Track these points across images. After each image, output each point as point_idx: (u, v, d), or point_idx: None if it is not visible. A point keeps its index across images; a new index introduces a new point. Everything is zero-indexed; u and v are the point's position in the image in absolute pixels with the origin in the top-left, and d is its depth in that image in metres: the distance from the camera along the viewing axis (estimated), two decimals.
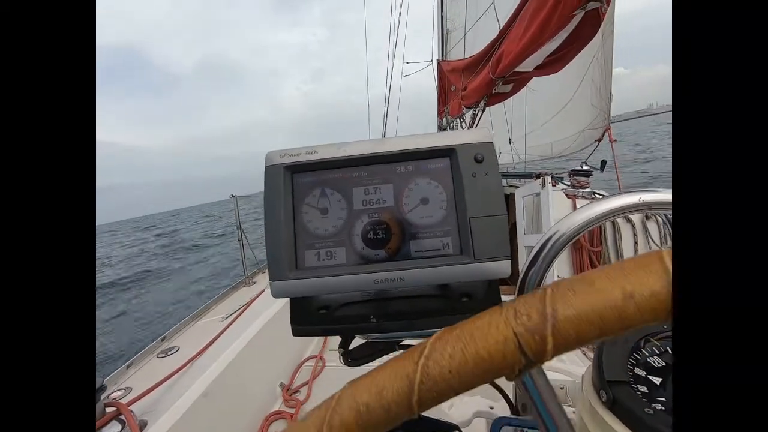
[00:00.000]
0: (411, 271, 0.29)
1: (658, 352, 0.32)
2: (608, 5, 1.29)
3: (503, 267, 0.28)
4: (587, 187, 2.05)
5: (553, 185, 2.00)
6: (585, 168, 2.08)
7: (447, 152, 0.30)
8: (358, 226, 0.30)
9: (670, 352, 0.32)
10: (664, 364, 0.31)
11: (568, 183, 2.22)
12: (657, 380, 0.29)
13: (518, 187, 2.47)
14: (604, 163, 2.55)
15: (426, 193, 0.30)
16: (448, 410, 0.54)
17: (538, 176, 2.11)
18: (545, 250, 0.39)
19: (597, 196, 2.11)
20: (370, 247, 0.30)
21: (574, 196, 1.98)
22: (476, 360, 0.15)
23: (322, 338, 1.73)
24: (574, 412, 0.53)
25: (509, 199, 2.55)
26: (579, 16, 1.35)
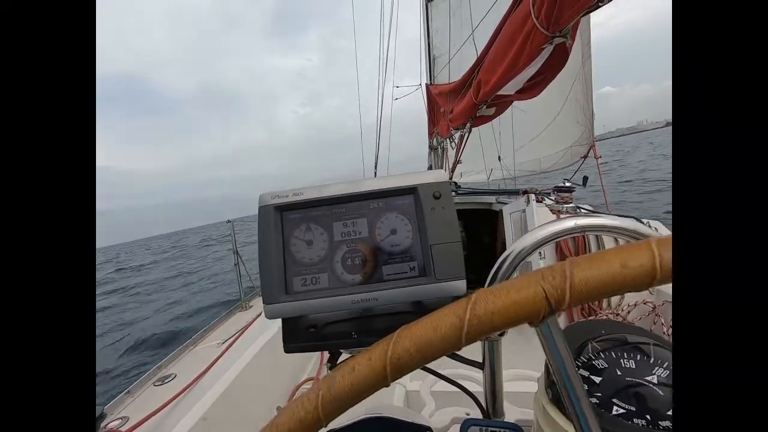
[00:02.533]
0: (383, 292, 0.33)
1: (602, 356, 0.36)
2: (573, 41, 1.42)
3: (459, 286, 0.33)
4: (570, 203, 2.13)
5: (538, 201, 2.08)
6: (567, 185, 2.18)
7: (411, 190, 0.36)
8: (338, 255, 0.35)
9: (610, 353, 0.36)
10: (606, 365, 0.35)
11: (553, 199, 2.31)
12: (597, 379, 0.34)
13: (507, 203, 2.56)
14: (585, 179, 2.66)
15: (395, 225, 0.35)
16: (429, 417, 0.59)
17: (524, 193, 2.20)
18: (502, 269, 0.46)
19: (581, 210, 2.20)
20: (348, 272, 0.35)
21: (558, 211, 2.06)
22: (512, 303, 0.21)
23: (318, 360, 1.74)
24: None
25: (498, 216, 2.62)
26: (548, 49, 1.48)
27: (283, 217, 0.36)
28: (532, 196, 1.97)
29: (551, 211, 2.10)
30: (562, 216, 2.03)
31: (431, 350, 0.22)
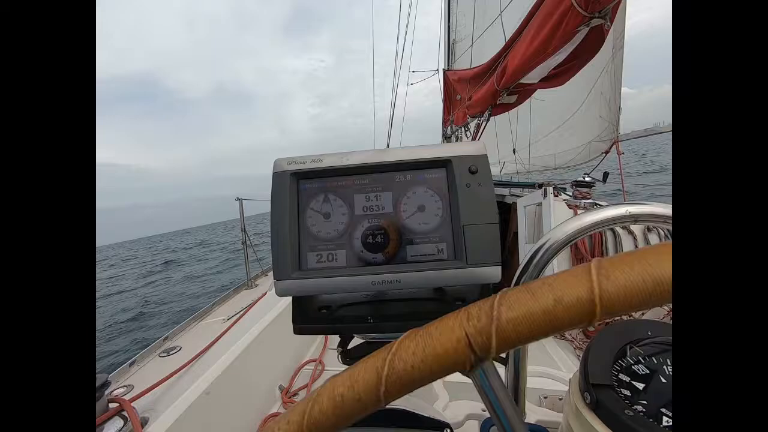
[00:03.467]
0: (407, 274, 0.30)
1: (642, 360, 0.33)
2: (612, 23, 1.32)
3: (494, 272, 0.30)
4: (589, 198, 2.05)
5: (555, 195, 2.01)
6: (587, 179, 2.09)
7: (443, 163, 0.32)
8: (358, 231, 0.32)
9: (652, 359, 0.33)
10: (648, 371, 0.32)
11: (571, 194, 2.23)
12: (640, 386, 0.31)
13: (521, 196, 2.49)
14: (606, 174, 2.56)
15: (423, 201, 0.32)
16: (443, 411, 0.56)
17: (540, 186, 2.12)
18: (537, 257, 0.41)
19: (598, 206, 2.12)
20: (369, 250, 0.31)
21: (576, 206, 1.99)
22: (434, 356, 0.18)
23: (321, 342, 1.74)
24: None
25: (511, 209, 2.55)
26: (583, 32, 1.38)
27: (300, 185, 0.33)
28: (550, 189, 1.89)
29: (568, 206, 2.03)
30: (579, 211, 1.96)
31: (348, 411, 0.19)
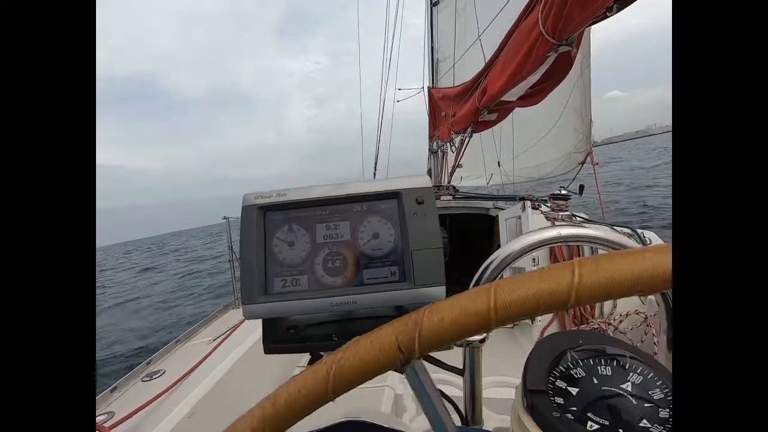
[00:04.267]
0: (362, 296, 0.33)
1: (580, 364, 0.36)
2: (578, 49, 1.43)
3: (439, 292, 0.33)
4: (566, 210, 2.14)
5: (533, 208, 2.09)
6: (563, 192, 2.18)
7: (395, 195, 0.35)
8: (319, 257, 0.35)
9: (585, 362, 0.36)
10: (584, 374, 0.35)
11: (549, 206, 2.32)
12: (574, 391, 0.34)
13: (504, 209, 2.56)
14: (582, 187, 2.68)
15: (377, 229, 0.35)
16: (410, 422, 0.58)
17: (521, 199, 2.20)
18: (486, 274, 0.46)
19: (576, 218, 2.21)
20: (329, 275, 0.34)
21: (554, 218, 2.07)
22: (370, 356, 0.24)
23: (306, 362, 1.72)
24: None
25: (494, 221, 2.63)
26: (552, 57, 1.48)
27: (266, 217, 0.36)
28: (528, 203, 1.98)
29: (546, 218, 2.11)
30: (557, 223, 2.04)
31: (300, 406, 0.24)
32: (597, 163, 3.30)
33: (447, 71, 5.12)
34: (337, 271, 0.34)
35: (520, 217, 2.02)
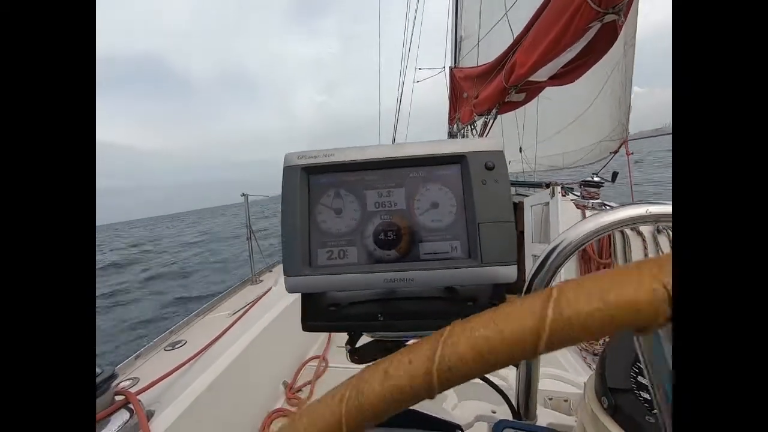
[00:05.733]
0: (420, 272, 0.30)
1: None
2: (626, 18, 1.29)
3: (509, 272, 0.29)
4: (597, 198, 2.03)
5: (562, 195, 1.99)
6: (596, 179, 2.06)
7: (458, 159, 0.31)
8: (370, 228, 0.31)
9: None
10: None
11: (578, 194, 2.21)
12: None
13: (527, 195, 2.46)
14: (615, 174, 2.53)
15: (437, 198, 0.31)
16: (452, 411, 0.55)
17: (547, 186, 2.10)
18: (551, 258, 0.40)
19: (607, 207, 2.09)
20: (381, 247, 0.31)
21: (584, 206, 1.96)
22: (619, 304, 0.15)
23: (325, 339, 1.74)
24: (575, 421, 0.53)
25: (517, 208, 2.53)
26: (595, 28, 1.35)
27: (311, 180, 0.32)
28: (558, 189, 1.87)
29: (576, 206, 2.01)
30: (588, 211, 1.93)
31: (494, 358, 0.16)
32: (632, 153, 3.11)
33: (470, 50, 4.88)
34: (391, 243, 0.31)
35: (547, 204, 1.93)
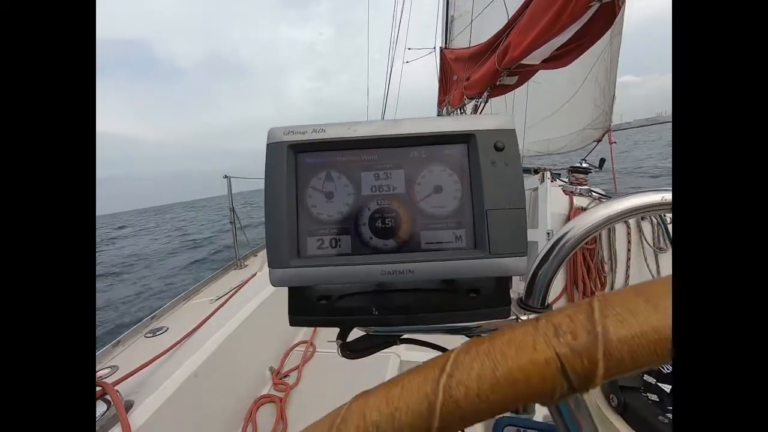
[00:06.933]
0: (420, 264, 0.27)
1: None
2: None
3: (519, 264, 0.27)
4: (585, 185, 2.05)
5: (551, 181, 2.00)
6: (584, 165, 2.08)
7: (465, 138, 0.28)
8: (365, 214, 0.28)
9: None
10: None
11: (566, 179, 2.23)
12: (667, 388, 0.29)
13: None
14: (602, 161, 2.57)
15: (440, 181, 0.28)
16: None
17: (536, 171, 2.10)
18: (557, 249, 0.37)
19: (593, 193, 2.12)
20: (378, 236, 0.28)
21: (572, 192, 1.98)
22: (509, 382, 0.13)
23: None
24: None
25: None
26: (594, 8, 1.32)
27: (298, 159, 0.29)
28: (548, 174, 1.88)
29: (564, 191, 2.02)
30: (575, 197, 1.95)
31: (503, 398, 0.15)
32: (615, 142, 3.16)
33: (462, 30, 4.75)
34: (388, 232, 0.28)
35: (536, 189, 1.93)
